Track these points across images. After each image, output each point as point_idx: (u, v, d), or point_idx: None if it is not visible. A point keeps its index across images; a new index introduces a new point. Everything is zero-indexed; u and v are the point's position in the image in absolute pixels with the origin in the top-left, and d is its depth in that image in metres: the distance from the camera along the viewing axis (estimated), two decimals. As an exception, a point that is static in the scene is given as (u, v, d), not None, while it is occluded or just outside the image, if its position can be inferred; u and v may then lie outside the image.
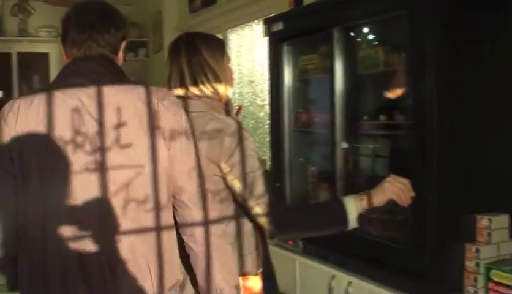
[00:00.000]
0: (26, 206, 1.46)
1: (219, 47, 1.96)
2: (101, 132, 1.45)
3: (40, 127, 1.45)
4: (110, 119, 1.46)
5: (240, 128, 1.79)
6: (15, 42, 6.32)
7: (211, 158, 1.75)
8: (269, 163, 3.40)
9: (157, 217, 1.50)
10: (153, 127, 1.49)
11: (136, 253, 1.46)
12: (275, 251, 2.94)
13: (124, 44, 1.65)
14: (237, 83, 4.57)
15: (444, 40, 2.14)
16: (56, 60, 6.40)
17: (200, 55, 1.89)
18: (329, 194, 2.80)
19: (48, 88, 1.53)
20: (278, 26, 2.97)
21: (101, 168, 1.44)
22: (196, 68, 1.89)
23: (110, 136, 1.46)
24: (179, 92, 1.89)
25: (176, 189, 1.55)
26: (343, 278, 2.55)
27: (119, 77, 1.55)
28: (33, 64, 6.70)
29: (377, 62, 2.57)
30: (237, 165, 1.76)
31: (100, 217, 1.44)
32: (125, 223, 1.45)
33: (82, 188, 1.43)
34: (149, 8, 6.30)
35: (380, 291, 2.34)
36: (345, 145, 2.62)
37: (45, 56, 6.53)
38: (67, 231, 1.43)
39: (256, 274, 1.92)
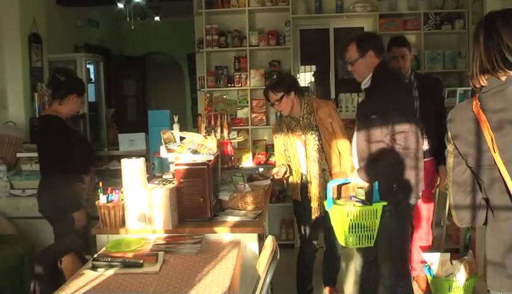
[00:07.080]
0: None
1: None
2: None
3: None
4: None
5: None
6: (332, 18, 6.59)
7: None
8: None
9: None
10: None
11: None
12: None
13: None
14: None
15: None
16: (368, 33, 6.48)
17: (498, 37, 1.76)
18: None
19: None
20: None
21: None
22: (493, 52, 1.77)
23: None
24: (483, 80, 1.81)
25: None
26: None
27: None
28: (349, 38, 6.91)
29: None
30: None
31: None
32: None
33: None
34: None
35: None
36: None
37: (360, 30, 6.67)
38: None
39: None
